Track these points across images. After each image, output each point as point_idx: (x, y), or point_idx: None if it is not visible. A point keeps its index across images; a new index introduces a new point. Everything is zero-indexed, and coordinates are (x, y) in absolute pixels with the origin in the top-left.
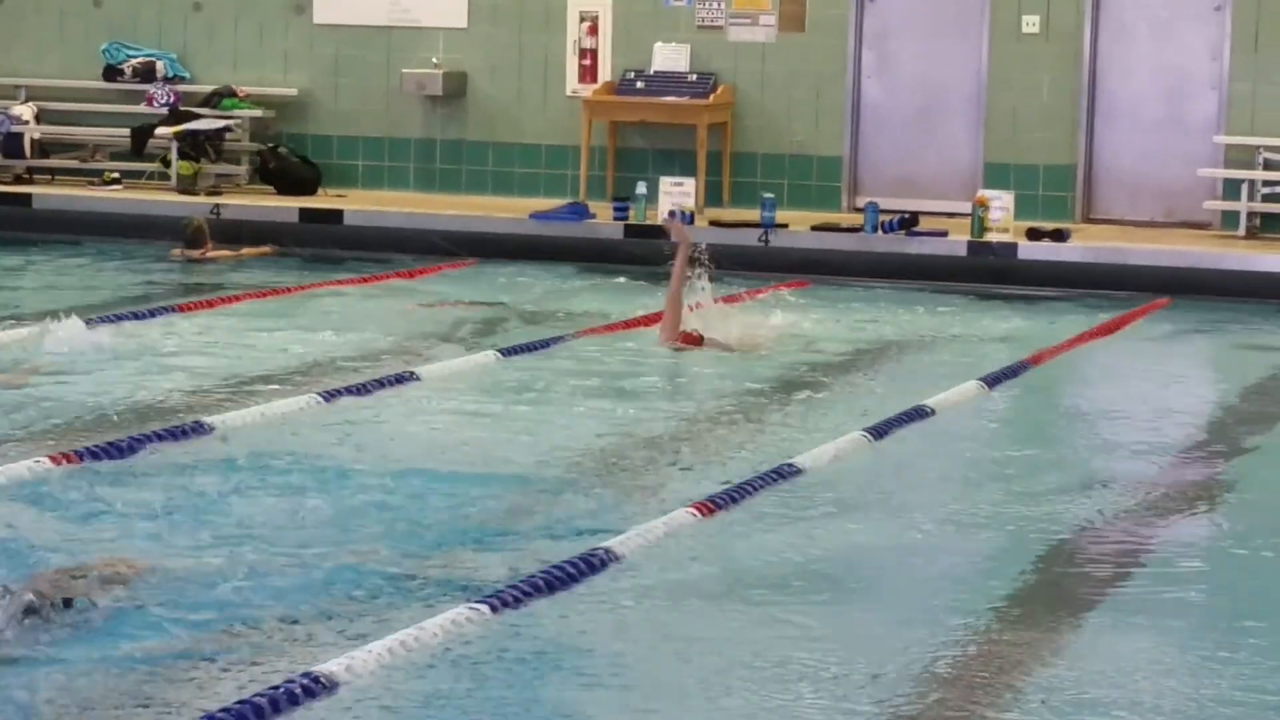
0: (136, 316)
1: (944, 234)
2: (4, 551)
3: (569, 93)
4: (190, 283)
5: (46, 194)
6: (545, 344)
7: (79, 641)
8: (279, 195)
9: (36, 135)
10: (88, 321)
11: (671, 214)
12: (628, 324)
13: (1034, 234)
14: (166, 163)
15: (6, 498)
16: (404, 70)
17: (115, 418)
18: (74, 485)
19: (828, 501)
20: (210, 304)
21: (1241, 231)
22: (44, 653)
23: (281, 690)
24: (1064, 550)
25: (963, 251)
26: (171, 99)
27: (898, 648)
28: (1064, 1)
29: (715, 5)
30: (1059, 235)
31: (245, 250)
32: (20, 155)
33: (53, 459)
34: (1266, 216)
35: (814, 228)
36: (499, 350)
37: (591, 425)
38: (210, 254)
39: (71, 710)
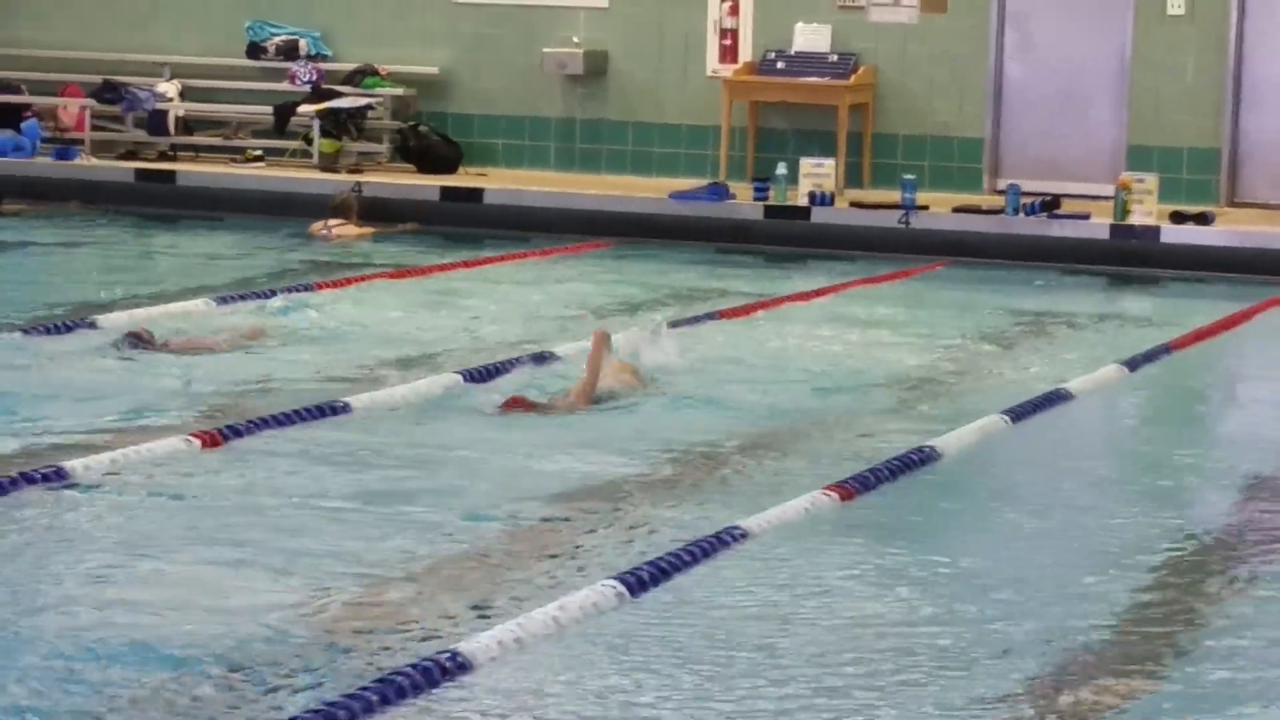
0: (270, 293)
1: (1086, 216)
2: (147, 528)
3: (709, 73)
4: (331, 260)
5: (190, 171)
6: (692, 322)
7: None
8: (420, 174)
9: (180, 113)
10: (224, 299)
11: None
12: (770, 302)
13: (1178, 217)
14: (309, 140)
15: (155, 475)
16: (544, 49)
17: (264, 394)
18: (220, 463)
19: (966, 485)
20: (350, 281)
21: None
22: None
23: (419, 669)
24: (1204, 539)
25: (1105, 234)
26: (314, 77)
27: (1036, 632)
28: None
29: None
30: (1203, 219)
31: (388, 228)
32: (164, 133)
33: (199, 438)
34: None
35: (955, 210)
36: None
37: (732, 407)
38: (352, 229)
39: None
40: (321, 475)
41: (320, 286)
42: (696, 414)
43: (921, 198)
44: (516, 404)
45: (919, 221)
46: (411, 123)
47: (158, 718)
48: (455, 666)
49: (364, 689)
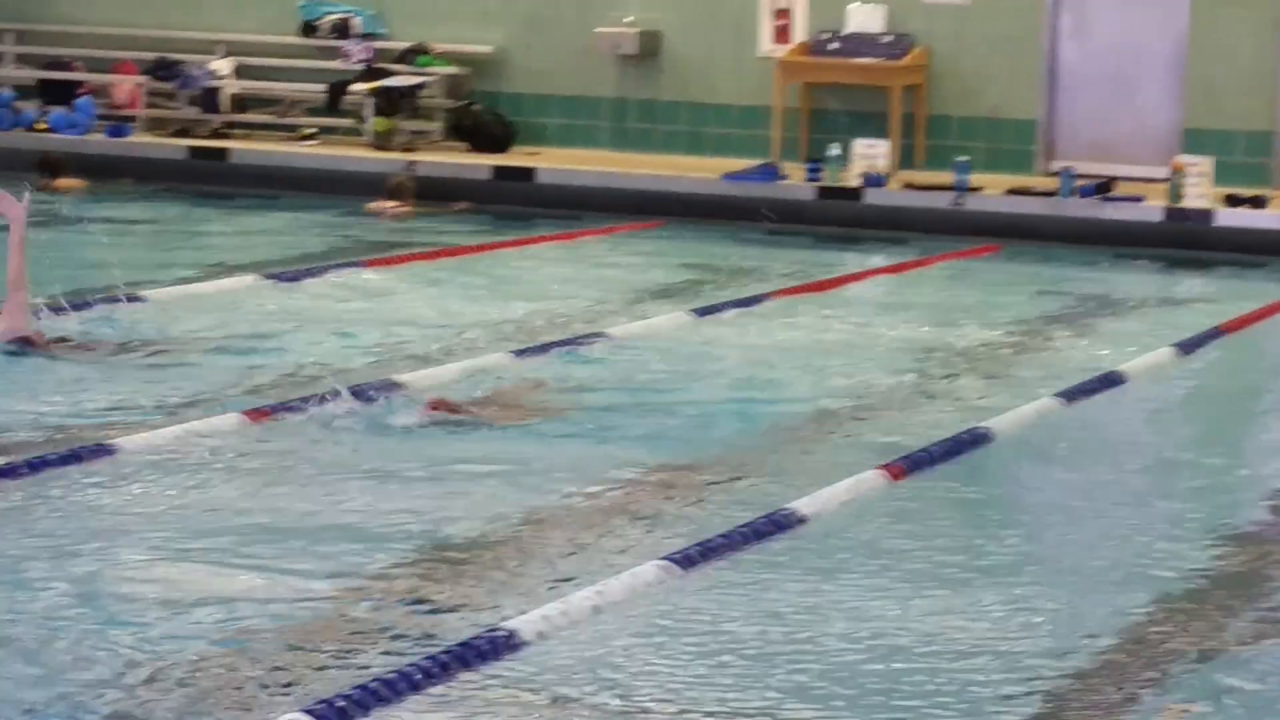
0: (323, 271)
1: (1140, 199)
2: (199, 504)
3: (763, 53)
4: (384, 239)
5: (244, 149)
6: (745, 303)
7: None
8: (472, 152)
9: (234, 90)
10: (276, 276)
11: None
12: (822, 284)
13: (1232, 200)
14: (362, 119)
15: (205, 452)
16: (598, 29)
17: (306, 372)
18: (267, 441)
19: (1019, 466)
20: (403, 260)
21: None
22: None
23: (469, 646)
24: (1257, 519)
25: (1158, 217)
26: (367, 55)
27: (1083, 615)
28: None
29: None
30: (1257, 202)
31: (440, 207)
32: (217, 110)
33: (248, 415)
34: None
35: (1008, 192)
36: (693, 310)
37: (781, 388)
38: (404, 208)
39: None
40: (376, 451)
41: (371, 264)
42: (747, 395)
43: (974, 179)
44: (440, 406)
45: (972, 203)
46: (465, 102)
47: (209, 690)
48: (506, 644)
49: (413, 665)
